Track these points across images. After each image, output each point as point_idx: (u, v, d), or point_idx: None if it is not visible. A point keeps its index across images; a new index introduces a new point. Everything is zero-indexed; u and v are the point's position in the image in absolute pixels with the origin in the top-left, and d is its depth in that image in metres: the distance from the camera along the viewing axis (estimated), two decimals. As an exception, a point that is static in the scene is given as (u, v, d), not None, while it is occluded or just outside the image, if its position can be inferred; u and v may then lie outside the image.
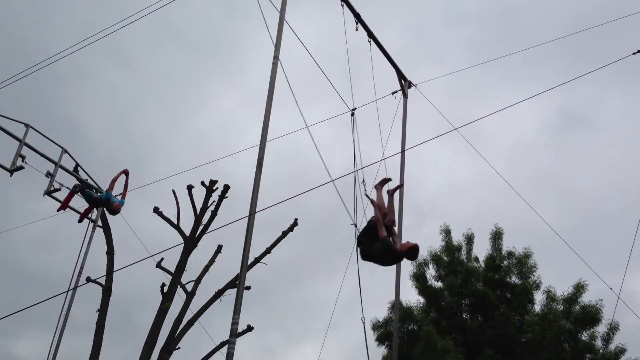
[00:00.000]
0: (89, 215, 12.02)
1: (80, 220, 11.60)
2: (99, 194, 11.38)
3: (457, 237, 19.64)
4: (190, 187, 17.12)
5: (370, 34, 12.75)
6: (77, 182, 11.70)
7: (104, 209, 11.74)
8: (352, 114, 12.07)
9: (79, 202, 13.80)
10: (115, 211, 11.18)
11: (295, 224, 18.08)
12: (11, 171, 11.98)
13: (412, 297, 19.69)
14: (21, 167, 12.09)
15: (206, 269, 17.43)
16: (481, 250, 19.54)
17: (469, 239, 19.59)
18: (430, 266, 19.38)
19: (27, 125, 12.42)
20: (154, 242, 14.47)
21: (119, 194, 11.26)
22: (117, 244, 16.51)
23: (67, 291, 13.29)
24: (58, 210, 11.82)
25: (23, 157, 12.19)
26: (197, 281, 17.23)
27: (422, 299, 19.28)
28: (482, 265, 19.24)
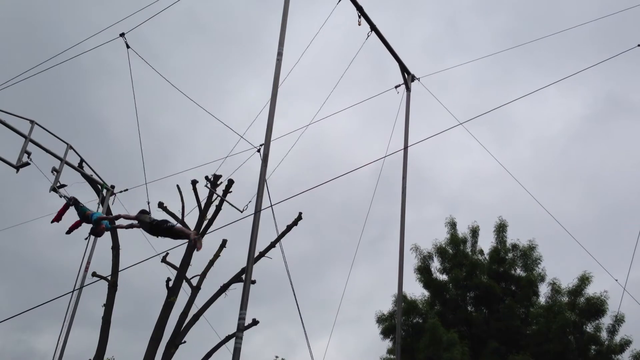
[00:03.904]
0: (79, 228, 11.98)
1: (68, 232, 11.61)
2: (92, 212, 11.45)
3: (464, 230, 19.65)
4: (194, 182, 17.12)
5: (373, 27, 12.72)
6: (73, 197, 11.70)
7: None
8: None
9: (88, 196, 13.88)
10: (99, 233, 11.38)
11: (299, 217, 18.09)
12: (17, 167, 12.00)
13: (416, 290, 19.73)
14: (27, 164, 12.10)
15: (211, 263, 17.47)
16: (489, 242, 19.54)
17: (474, 232, 19.59)
18: (435, 259, 19.40)
19: (32, 122, 12.43)
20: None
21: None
22: (127, 239, 16.61)
23: (75, 289, 13.35)
24: (52, 222, 11.80)
25: (29, 154, 12.20)
26: (202, 276, 17.27)
27: (426, 292, 19.30)
28: (487, 257, 19.25)
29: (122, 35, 12.80)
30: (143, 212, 10.26)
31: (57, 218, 11.69)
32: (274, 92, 9.47)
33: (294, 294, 10.34)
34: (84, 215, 11.26)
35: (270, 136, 9.07)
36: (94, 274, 14.91)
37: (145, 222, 9.87)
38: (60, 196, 11.73)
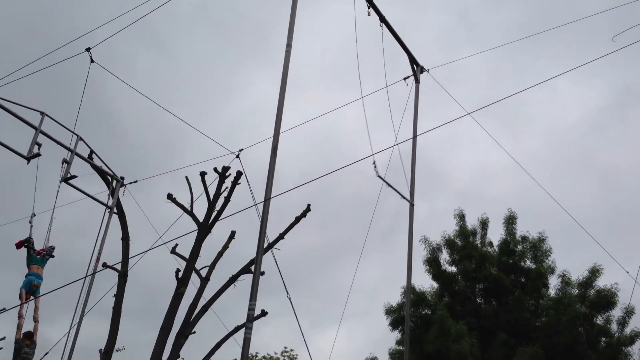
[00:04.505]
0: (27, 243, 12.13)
1: (17, 247, 11.77)
2: (29, 276, 11.71)
3: (474, 222, 19.60)
4: (203, 174, 17.16)
5: (382, 18, 12.66)
6: (31, 237, 11.84)
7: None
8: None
9: (97, 188, 13.99)
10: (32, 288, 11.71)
11: (308, 209, 18.10)
12: (28, 158, 12.08)
13: (425, 282, 19.71)
14: (38, 155, 12.18)
15: (220, 254, 17.53)
16: (498, 234, 19.49)
17: (484, 224, 19.54)
18: (444, 251, 19.38)
19: (42, 113, 12.49)
20: (171, 227, 14.59)
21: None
22: (137, 230, 16.69)
23: (85, 276, 13.43)
24: (17, 247, 11.96)
25: (39, 145, 12.28)
26: (211, 267, 17.33)
27: (435, 284, 19.30)
28: (496, 249, 19.20)
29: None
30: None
31: (18, 246, 11.82)
32: (283, 84, 9.46)
33: (286, 289, 10.35)
34: (29, 259, 11.62)
35: (279, 127, 9.07)
36: (104, 265, 15.01)
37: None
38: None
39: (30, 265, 11.64)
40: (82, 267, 13.85)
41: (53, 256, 11.77)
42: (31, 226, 11.35)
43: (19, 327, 11.93)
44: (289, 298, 11.11)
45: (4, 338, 24.78)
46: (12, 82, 12.06)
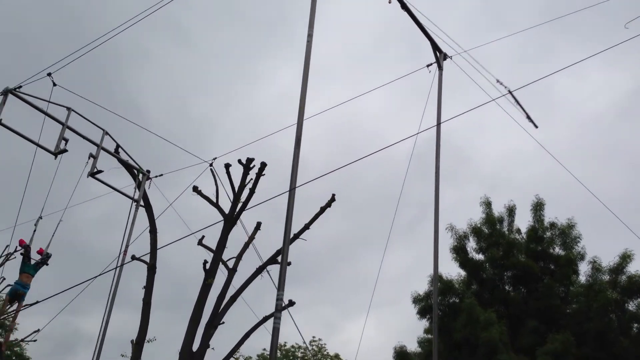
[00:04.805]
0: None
1: (20, 245, 11.90)
2: (18, 284, 11.92)
3: (501, 209, 19.39)
4: (227, 166, 17.27)
5: (403, 5, 12.54)
6: (29, 246, 11.95)
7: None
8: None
9: (124, 181, 14.14)
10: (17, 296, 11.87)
11: (333, 199, 18.10)
12: (55, 154, 12.28)
13: (452, 270, 19.61)
14: (65, 150, 12.38)
15: (246, 245, 17.65)
16: (526, 221, 19.24)
17: (511, 211, 19.32)
18: (471, 239, 19.22)
19: (68, 109, 12.68)
20: (197, 219, 14.76)
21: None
22: (164, 223, 16.91)
23: (115, 267, 13.64)
24: (20, 245, 12.11)
25: (66, 140, 12.47)
26: (238, 258, 17.47)
27: (462, 272, 19.18)
28: (524, 236, 18.98)
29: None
30: None
31: (21, 244, 11.96)
32: (305, 73, 9.45)
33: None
34: (21, 268, 11.82)
35: (302, 117, 9.06)
36: (133, 257, 15.23)
37: None
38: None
39: (22, 272, 11.77)
40: (111, 260, 14.07)
41: (47, 264, 11.87)
42: (34, 230, 11.48)
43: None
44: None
45: (38, 330, 25.30)
46: (39, 80, 12.23)
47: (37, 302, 12.04)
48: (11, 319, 12.59)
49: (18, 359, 24.13)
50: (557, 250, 18.71)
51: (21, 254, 11.51)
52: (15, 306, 12.07)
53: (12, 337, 24.78)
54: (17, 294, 11.77)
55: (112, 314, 13.60)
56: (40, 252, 11.60)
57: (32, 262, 11.72)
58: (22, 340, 26.09)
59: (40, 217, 11.53)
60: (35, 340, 26.83)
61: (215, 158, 14.72)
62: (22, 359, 24.42)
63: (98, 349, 13.25)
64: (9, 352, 23.94)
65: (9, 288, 11.91)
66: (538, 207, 18.99)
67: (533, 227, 18.86)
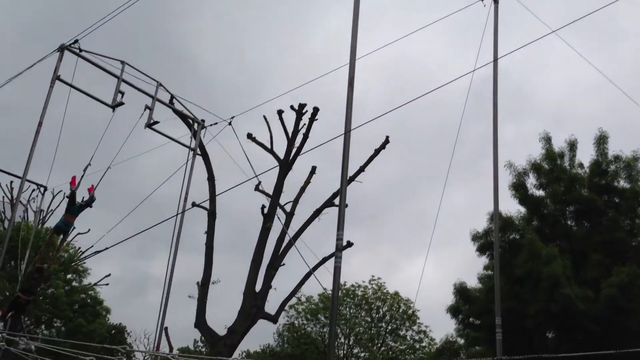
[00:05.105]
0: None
1: (71, 184, 12.14)
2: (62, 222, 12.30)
3: (562, 144, 18.75)
4: (280, 112, 17.29)
5: None
6: (75, 189, 12.18)
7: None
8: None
9: (180, 131, 14.37)
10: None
11: (387, 141, 17.96)
12: (113, 107, 12.56)
13: (512, 207, 19.21)
14: (121, 103, 12.64)
15: (302, 189, 17.85)
16: (589, 156, 18.57)
17: (572, 145, 18.66)
18: (530, 175, 18.75)
19: (122, 62, 12.85)
20: (253, 166, 14.93)
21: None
22: (221, 169, 17.24)
23: (177, 214, 14.05)
24: (71, 184, 12.39)
25: (122, 93, 12.70)
26: (295, 202, 17.72)
27: (522, 209, 18.84)
28: (587, 171, 18.37)
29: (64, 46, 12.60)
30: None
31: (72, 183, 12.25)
32: (356, 13, 9.25)
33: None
34: (66, 209, 12.16)
35: (354, 56, 8.90)
36: (193, 204, 15.63)
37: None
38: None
39: (67, 213, 12.22)
40: (173, 207, 14.47)
41: (91, 207, 12.29)
42: (82, 176, 11.84)
43: (38, 258, 13.07)
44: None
45: (109, 275, 26.63)
46: (94, 32, 12.39)
47: (107, 248, 12.60)
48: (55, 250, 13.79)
49: (93, 302, 25.58)
50: (622, 183, 18.06)
51: (67, 196, 12.01)
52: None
53: (85, 282, 26.27)
54: (61, 230, 12.47)
55: (177, 258, 14.11)
56: (90, 190, 12.05)
57: (77, 205, 12.22)
58: (95, 284, 27.68)
59: (89, 164, 11.91)
60: (107, 284, 28.45)
61: (234, 117, 14.79)
62: (97, 301, 25.87)
63: (166, 291, 13.84)
64: (83, 296, 25.39)
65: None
66: (601, 141, 18.26)
67: (596, 160, 18.20)
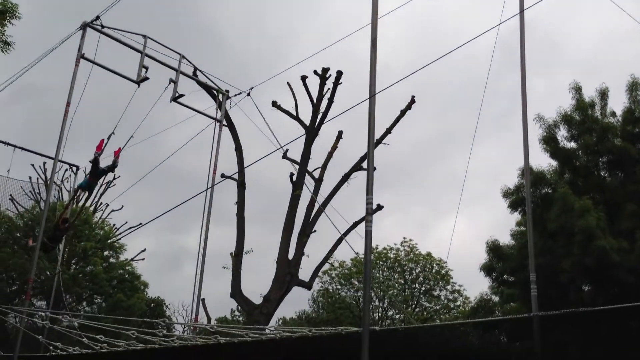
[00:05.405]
0: None
1: (97, 148, 12.30)
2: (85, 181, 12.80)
3: (593, 94, 18.26)
4: (304, 78, 17.21)
5: None
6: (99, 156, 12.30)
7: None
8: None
9: (206, 103, 14.42)
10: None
11: (412, 101, 17.79)
12: (138, 82, 12.64)
13: (543, 161, 18.90)
14: (146, 78, 12.70)
15: (330, 155, 17.85)
16: (618, 104, 18.10)
17: (603, 94, 18.18)
18: (561, 127, 18.37)
19: (144, 37, 12.88)
20: (279, 135, 14.95)
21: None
22: (248, 139, 17.28)
23: (207, 189, 14.20)
24: (97, 148, 12.58)
25: (146, 68, 12.76)
26: (323, 167, 17.76)
27: (554, 162, 18.52)
28: (620, 119, 17.92)
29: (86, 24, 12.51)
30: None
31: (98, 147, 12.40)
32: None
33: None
34: (90, 173, 12.51)
35: (376, 17, 8.74)
36: (222, 176, 15.78)
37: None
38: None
39: (90, 175, 12.51)
40: (202, 179, 14.63)
41: (113, 171, 12.63)
42: (106, 143, 12.05)
43: (65, 211, 13.55)
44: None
45: (145, 250, 27.17)
46: (115, 8, 12.39)
47: (141, 224, 12.86)
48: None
49: (131, 277, 26.18)
50: (657, 129, 17.60)
51: (90, 161, 12.27)
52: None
53: (122, 258, 26.87)
54: (84, 188, 12.96)
55: (210, 230, 14.31)
56: (116, 153, 12.30)
57: (100, 169, 12.53)
58: (132, 259, 28.27)
59: (113, 133, 12.11)
60: (143, 259, 29.02)
61: (252, 87, 14.75)
62: (134, 276, 26.48)
63: (200, 263, 14.09)
64: (121, 271, 25.97)
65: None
66: (634, 87, 17.73)
67: (629, 108, 17.72)
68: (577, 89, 18.31)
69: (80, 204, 14.24)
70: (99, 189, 26.85)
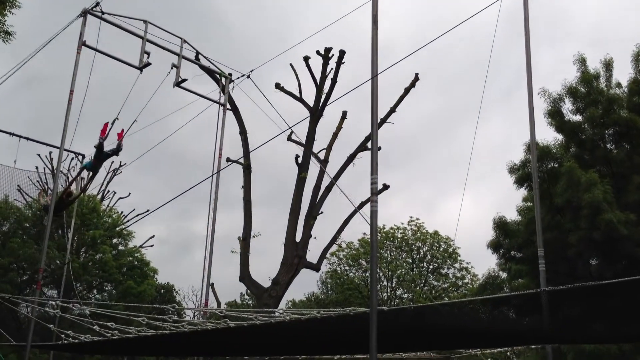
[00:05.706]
0: None
1: (102, 132, 12.36)
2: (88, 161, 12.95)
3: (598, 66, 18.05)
4: (306, 58, 17.10)
5: None
6: (103, 141, 12.40)
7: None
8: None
9: (209, 87, 14.37)
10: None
11: (416, 79, 17.67)
12: (140, 68, 12.59)
13: (548, 135, 18.81)
14: (148, 64, 12.65)
15: (335, 136, 17.80)
16: (623, 75, 17.89)
17: (608, 65, 17.98)
18: (566, 100, 18.21)
19: (145, 22, 12.80)
20: (284, 116, 14.90)
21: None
22: (254, 124, 17.24)
23: (212, 174, 14.20)
24: (102, 132, 12.65)
25: (148, 54, 12.70)
26: (328, 149, 17.72)
27: (559, 136, 18.40)
28: (626, 91, 17.75)
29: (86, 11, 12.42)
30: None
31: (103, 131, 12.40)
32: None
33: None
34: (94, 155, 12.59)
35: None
36: (227, 160, 15.76)
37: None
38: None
39: (95, 158, 12.57)
40: (207, 164, 14.63)
41: (117, 154, 12.70)
42: (110, 128, 12.08)
43: (69, 186, 14.22)
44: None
45: (153, 236, 27.32)
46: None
47: (148, 211, 12.92)
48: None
49: (140, 264, 26.34)
50: (664, 100, 17.41)
51: (95, 147, 12.33)
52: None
53: (131, 245, 27.02)
54: (89, 168, 13.01)
55: (218, 215, 14.33)
56: (119, 135, 12.35)
57: (104, 153, 12.61)
58: (141, 246, 28.44)
59: (117, 118, 12.13)
60: (152, 246, 29.19)
61: (252, 70, 14.66)
62: (144, 263, 26.63)
63: (209, 248, 14.14)
64: (130, 258, 26.13)
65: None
66: (639, 58, 17.54)
67: (635, 79, 17.53)
68: (582, 61, 18.12)
69: (85, 182, 14.54)
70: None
